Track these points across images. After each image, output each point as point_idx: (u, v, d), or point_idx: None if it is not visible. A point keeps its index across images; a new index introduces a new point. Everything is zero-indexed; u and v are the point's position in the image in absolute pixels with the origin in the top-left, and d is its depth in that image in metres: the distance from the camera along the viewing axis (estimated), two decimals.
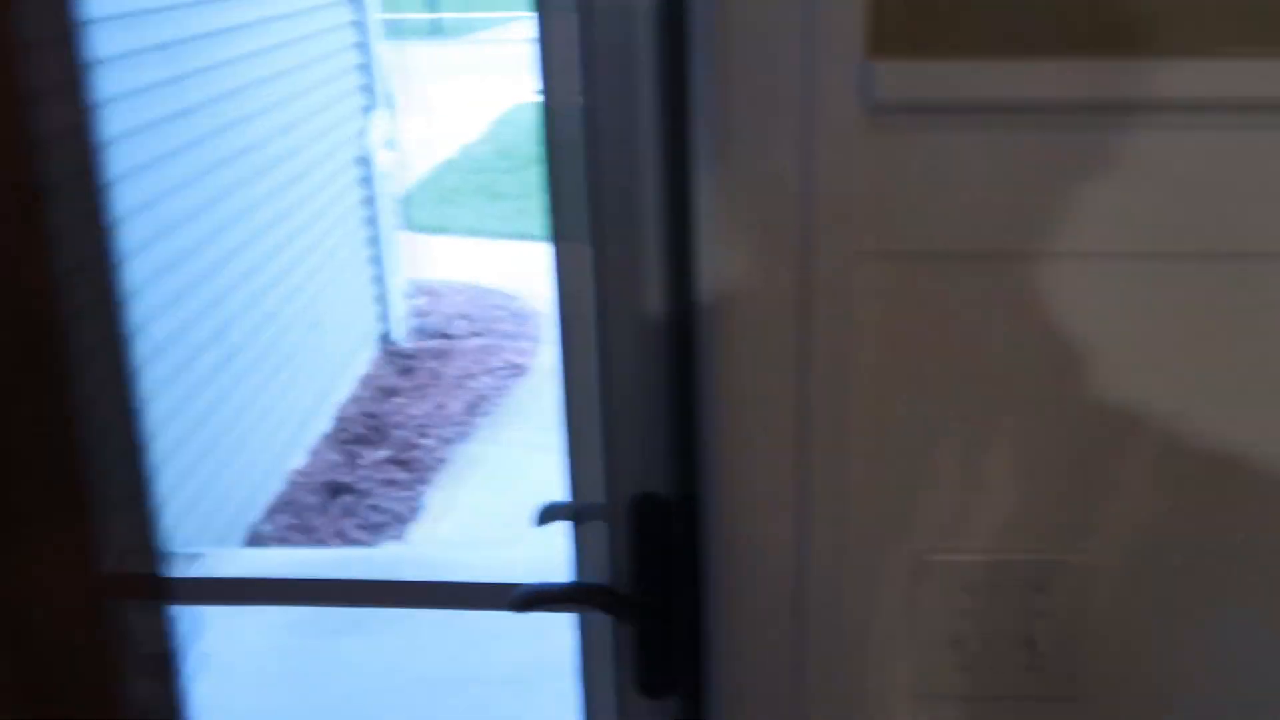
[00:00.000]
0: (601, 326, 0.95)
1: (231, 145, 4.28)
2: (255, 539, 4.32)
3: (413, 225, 7.64)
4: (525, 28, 23.82)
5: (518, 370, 5.98)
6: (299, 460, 4.97)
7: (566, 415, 1.02)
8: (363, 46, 5.87)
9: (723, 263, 0.76)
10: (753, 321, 0.77)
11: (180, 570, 3.25)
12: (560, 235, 0.94)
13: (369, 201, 5.99)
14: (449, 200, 9.54)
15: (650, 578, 1.01)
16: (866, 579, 0.85)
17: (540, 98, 0.90)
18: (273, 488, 4.59)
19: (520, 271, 7.60)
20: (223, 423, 4.12)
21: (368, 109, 5.98)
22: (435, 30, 23.13)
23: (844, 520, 0.82)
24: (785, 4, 0.68)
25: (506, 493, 4.79)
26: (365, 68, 5.94)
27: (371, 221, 6.04)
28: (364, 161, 5.91)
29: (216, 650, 3.36)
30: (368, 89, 5.98)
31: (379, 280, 6.15)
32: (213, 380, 4.08)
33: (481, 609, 1.43)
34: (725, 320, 0.78)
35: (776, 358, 0.77)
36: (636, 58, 0.85)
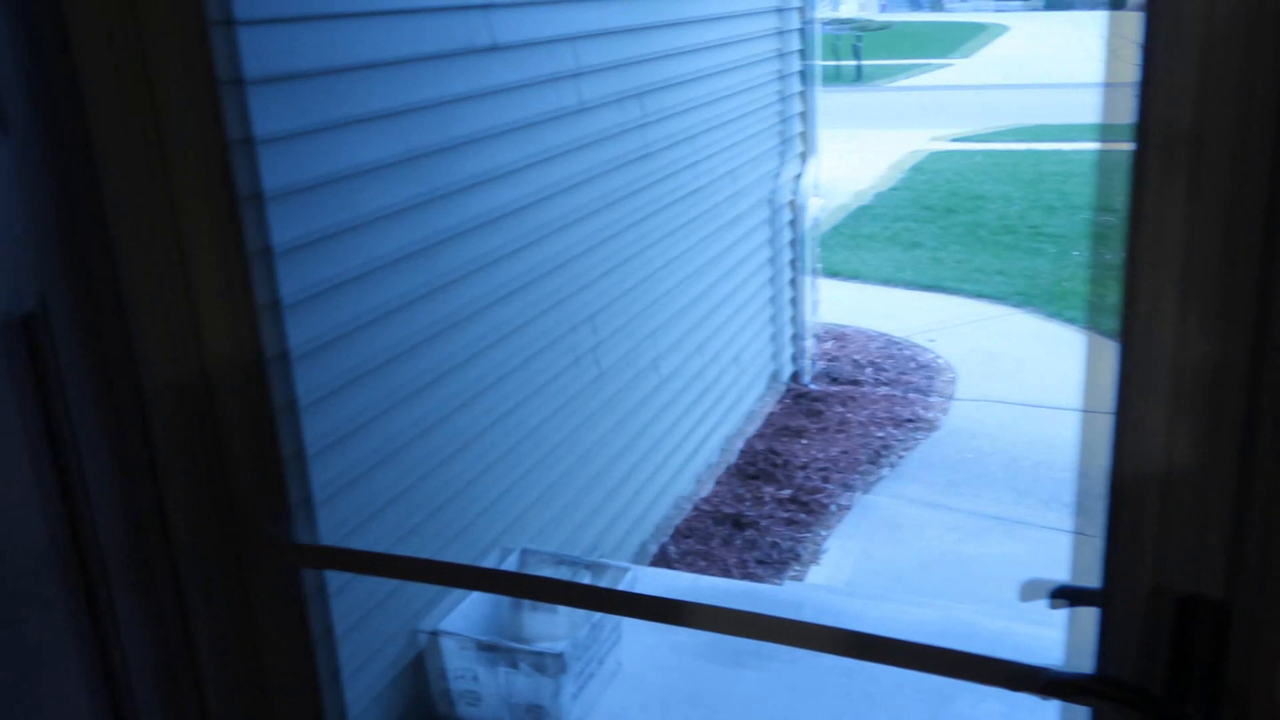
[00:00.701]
0: (1173, 416, 0.92)
1: (682, 188, 4.56)
2: (639, 556, 4.52)
3: (827, 270, 7.76)
4: (940, 75, 23.49)
5: (926, 425, 5.87)
6: (705, 489, 5.17)
7: (1112, 500, 0.99)
8: (803, 95, 6.06)
9: None
10: None
11: (609, 582, 3.48)
12: (1133, 321, 0.92)
13: (791, 245, 6.16)
14: (863, 246, 9.59)
15: (1188, 683, 0.96)
16: None
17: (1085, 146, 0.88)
18: (661, 511, 4.77)
19: (932, 323, 7.47)
20: (632, 446, 4.36)
21: (800, 155, 6.15)
22: (856, 77, 23.38)
23: None
24: None
25: (902, 548, 4.71)
26: (802, 116, 6.12)
27: (792, 264, 6.20)
28: (790, 206, 6.08)
29: (630, 661, 3.56)
30: (802, 136, 6.15)
31: (795, 321, 6.29)
32: (645, 405, 4.36)
33: (928, 671, 1.42)
34: None
35: None
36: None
